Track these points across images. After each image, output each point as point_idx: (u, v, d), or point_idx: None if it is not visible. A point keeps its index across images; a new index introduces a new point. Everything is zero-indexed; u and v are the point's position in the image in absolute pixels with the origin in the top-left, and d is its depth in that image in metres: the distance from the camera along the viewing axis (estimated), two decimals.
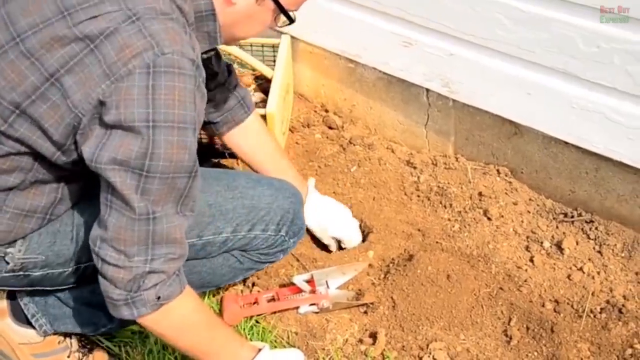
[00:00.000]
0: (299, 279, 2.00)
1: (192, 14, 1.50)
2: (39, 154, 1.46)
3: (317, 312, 1.99)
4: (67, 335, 1.84)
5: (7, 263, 1.56)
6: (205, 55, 1.64)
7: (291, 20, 1.61)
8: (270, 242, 1.83)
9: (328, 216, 2.18)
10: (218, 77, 1.97)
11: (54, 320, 1.78)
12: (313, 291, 1.98)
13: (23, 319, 1.78)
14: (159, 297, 1.48)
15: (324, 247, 2.23)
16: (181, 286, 1.52)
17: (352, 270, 2.09)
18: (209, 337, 1.60)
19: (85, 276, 1.68)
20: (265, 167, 2.08)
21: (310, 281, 2.01)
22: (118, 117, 1.34)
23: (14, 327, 1.76)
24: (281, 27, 1.64)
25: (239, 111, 2.05)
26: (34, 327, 1.78)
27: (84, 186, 1.61)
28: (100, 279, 1.47)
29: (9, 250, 1.55)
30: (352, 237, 2.22)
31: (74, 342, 1.85)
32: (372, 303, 2.00)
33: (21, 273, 1.59)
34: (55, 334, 1.81)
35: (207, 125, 2.04)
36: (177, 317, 1.54)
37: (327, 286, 1.99)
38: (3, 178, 1.47)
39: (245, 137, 2.09)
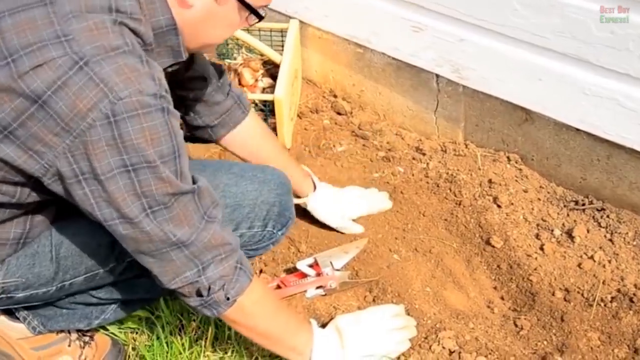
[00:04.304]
0: (303, 264, 1.99)
1: (151, 33, 1.41)
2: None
3: (324, 295, 1.98)
4: None
5: None
6: (170, 69, 1.55)
7: (260, 18, 1.51)
8: (258, 238, 1.77)
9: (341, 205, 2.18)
10: (212, 81, 1.90)
11: (47, 320, 1.76)
12: (319, 274, 1.98)
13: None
14: (228, 298, 1.51)
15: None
16: (248, 276, 1.54)
17: (354, 248, 2.08)
18: (283, 320, 1.65)
19: (71, 292, 1.67)
20: (270, 164, 1.96)
21: (314, 265, 2.00)
22: (95, 171, 1.30)
23: (10, 324, 1.74)
24: (251, 25, 1.56)
25: (237, 112, 1.97)
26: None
27: (56, 209, 1.59)
28: (176, 292, 1.53)
29: None
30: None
31: (72, 331, 1.84)
32: (377, 280, 1.99)
33: (4, 296, 1.57)
34: (50, 332, 1.79)
35: (202, 129, 1.97)
36: (251, 307, 1.57)
37: (332, 267, 1.98)
38: None
39: (247, 137, 2.01)
